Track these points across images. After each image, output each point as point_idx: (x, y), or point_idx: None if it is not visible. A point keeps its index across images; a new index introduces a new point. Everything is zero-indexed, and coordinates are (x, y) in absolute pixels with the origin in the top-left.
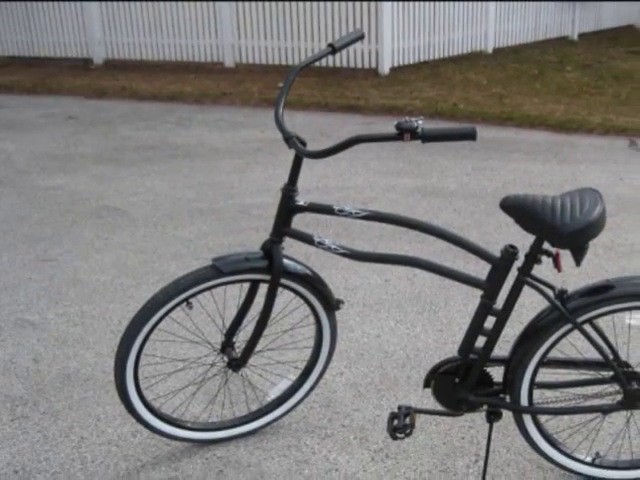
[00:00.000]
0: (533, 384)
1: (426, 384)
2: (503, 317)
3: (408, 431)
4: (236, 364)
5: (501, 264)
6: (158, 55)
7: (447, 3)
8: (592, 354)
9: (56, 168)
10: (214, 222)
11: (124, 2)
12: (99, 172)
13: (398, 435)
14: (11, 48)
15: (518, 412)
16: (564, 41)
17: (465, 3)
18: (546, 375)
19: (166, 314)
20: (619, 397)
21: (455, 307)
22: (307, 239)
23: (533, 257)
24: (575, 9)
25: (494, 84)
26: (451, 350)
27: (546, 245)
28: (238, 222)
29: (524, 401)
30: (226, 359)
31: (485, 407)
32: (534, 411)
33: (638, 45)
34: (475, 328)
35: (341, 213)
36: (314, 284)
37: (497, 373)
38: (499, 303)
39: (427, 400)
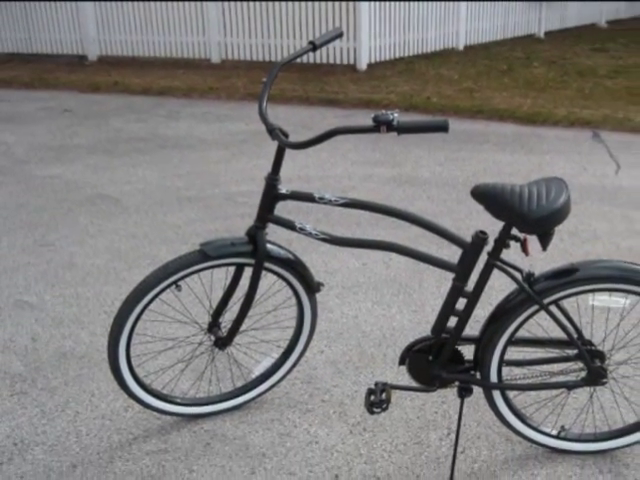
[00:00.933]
0: (502, 362)
1: (401, 362)
2: (474, 299)
3: (384, 406)
4: (222, 343)
5: (472, 249)
6: (149, 52)
7: (421, 3)
8: (558, 333)
9: (53, 158)
10: (202, 209)
11: (117, 2)
12: (93, 162)
13: (375, 410)
14: (10, 45)
15: (488, 388)
16: (531, 39)
17: (438, 3)
18: (514, 353)
19: (156, 296)
20: (583, 374)
21: (428, 289)
22: (289, 225)
23: (502, 242)
24: (541, 9)
25: (465, 79)
26: (425, 330)
27: (514, 231)
28: (224, 209)
29: (493, 378)
30: (213, 338)
31: (457, 383)
32: (503, 387)
33: (600, 43)
34: (447, 309)
35: (321, 201)
36: (296, 268)
37: (468, 351)
38: (470, 286)
39: (402, 377)
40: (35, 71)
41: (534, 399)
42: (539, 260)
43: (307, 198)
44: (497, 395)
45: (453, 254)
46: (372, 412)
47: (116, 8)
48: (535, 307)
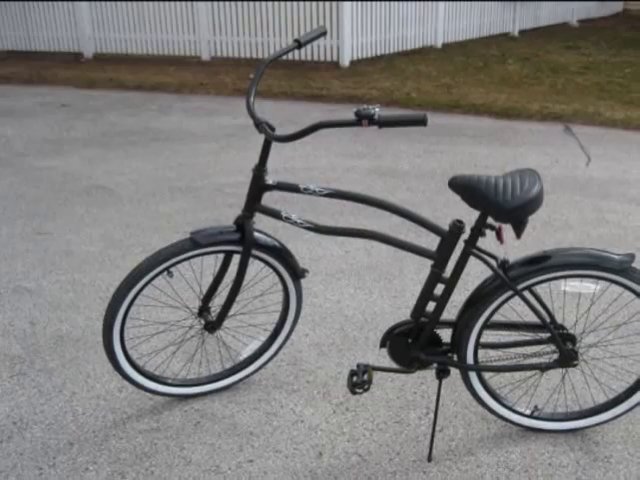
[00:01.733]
0: (478, 344)
1: (382, 344)
2: (451, 284)
3: (366, 387)
4: (212, 327)
5: (449, 237)
6: (142, 49)
7: (401, 3)
8: (531, 318)
9: (50, 151)
10: (192, 199)
11: (112, 2)
12: (89, 154)
13: (357, 390)
14: (10, 43)
15: (464, 369)
16: (506, 37)
17: (417, 3)
18: (490, 336)
19: (149, 282)
20: (555, 356)
21: (408, 276)
22: (276, 214)
23: (478, 231)
24: (516, 8)
25: (443, 75)
26: (404, 314)
27: (490, 220)
28: (214, 199)
29: (470, 360)
30: (203, 322)
31: (435, 365)
32: (479, 369)
33: (572, 41)
34: (426, 294)
35: (306, 191)
36: (282, 255)
37: (446, 335)
38: (447, 272)
39: (383, 359)
40: (33, 68)
41: (509, 380)
42: (513, 248)
43: (292, 189)
44: (473, 376)
45: (431, 242)
46: (354, 392)
47: (111, 7)
48: (509, 292)
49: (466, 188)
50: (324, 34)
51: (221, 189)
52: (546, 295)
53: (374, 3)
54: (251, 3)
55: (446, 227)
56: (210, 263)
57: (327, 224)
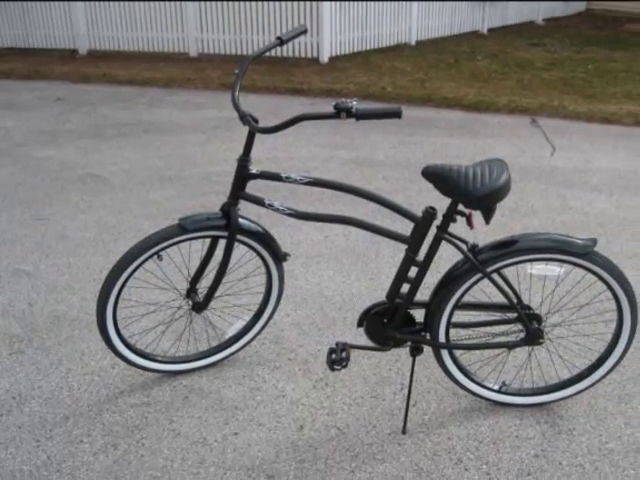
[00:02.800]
0: (449, 324)
1: (359, 324)
2: (424, 267)
3: (344, 364)
4: (199, 307)
5: (422, 223)
6: (133, 46)
7: (377, 2)
8: (499, 299)
9: (47, 141)
10: (180, 187)
11: (105, 2)
12: (83, 145)
13: (336, 367)
14: (9, 40)
15: (437, 347)
16: (475, 35)
17: (392, 2)
18: (460, 316)
19: (140, 265)
20: (522, 335)
21: (384, 259)
22: (259, 202)
23: (449, 217)
24: (485, 8)
25: (417, 71)
26: (380, 295)
27: (460, 207)
28: (201, 187)
29: (442, 338)
30: (191, 303)
31: (409, 343)
32: (450, 347)
33: (537, 38)
34: (400, 277)
35: (288, 180)
36: (265, 240)
37: (419, 315)
38: (421, 256)
39: (360, 337)
40: (31, 64)
41: (478, 357)
42: (482, 233)
43: (275, 177)
44: (445, 354)
45: (405, 228)
46: (333, 369)
47: (104, 7)
48: (479, 275)
49: (438, 177)
50: (305, 32)
51: (208, 178)
52: (513, 277)
53: (352, 3)
54: (236, 3)
55: (419, 213)
56: (197, 247)
57: (307, 211)
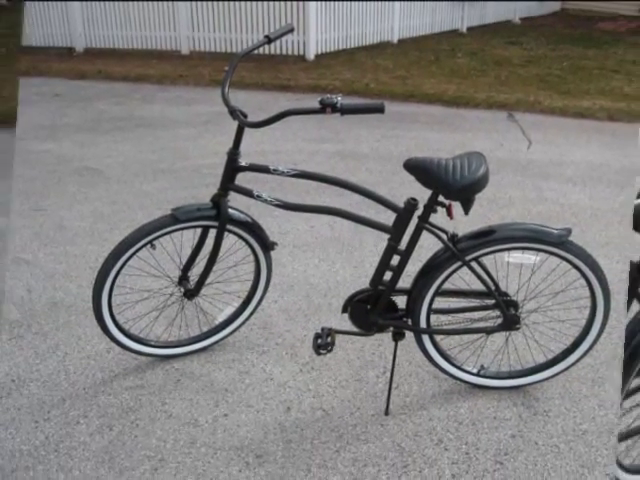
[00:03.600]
0: (430, 310)
1: (344, 310)
2: (406, 256)
3: (329, 348)
4: (190, 294)
5: (404, 213)
6: (128, 44)
7: (361, 2)
8: (478, 286)
9: (45, 136)
10: (173, 179)
11: (101, 2)
12: (80, 139)
13: (321, 351)
14: None
15: (418, 333)
16: (455, 33)
17: (375, 2)
18: (441, 303)
19: (134, 253)
20: (500, 321)
21: (367, 248)
22: (248, 193)
23: (430, 207)
24: (464, 7)
25: (399, 68)
26: (364, 282)
27: (441, 198)
28: (192, 179)
29: (423, 324)
30: (182, 290)
31: (391, 329)
32: (431, 332)
33: (514, 37)
34: (383, 265)
35: (275, 172)
36: (254, 229)
37: (401, 301)
38: (403, 245)
39: (345, 323)
40: (30, 61)
41: (458, 342)
42: (462, 223)
43: (263, 170)
44: (426, 339)
45: (388, 218)
46: (319, 353)
47: (100, 7)
48: (458, 263)
49: (419, 169)
50: (291, 31)
51: (199, 170)
52: (491, 265)
53: (337, 3)
54: (226, 3)
55: (401, 204)
56: (189, 237)
57: (294, 202)
